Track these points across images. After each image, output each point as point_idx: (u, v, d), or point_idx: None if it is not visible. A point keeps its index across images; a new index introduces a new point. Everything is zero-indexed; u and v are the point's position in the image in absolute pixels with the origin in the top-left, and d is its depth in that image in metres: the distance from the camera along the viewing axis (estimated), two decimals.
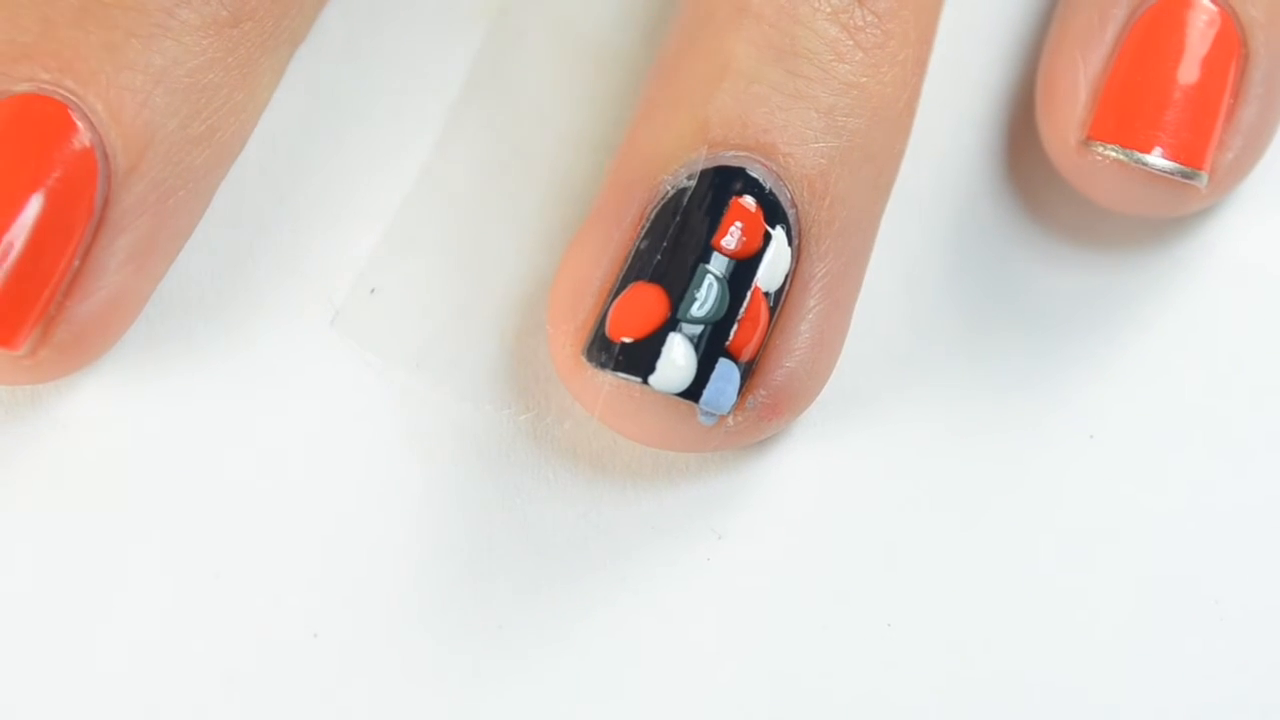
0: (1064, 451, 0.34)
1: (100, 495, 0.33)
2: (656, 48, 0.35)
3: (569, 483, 0.33)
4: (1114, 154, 0.33)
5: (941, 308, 0.35)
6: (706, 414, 0.31)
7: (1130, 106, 0.33)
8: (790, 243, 0.32)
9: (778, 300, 0.32)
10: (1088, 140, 0.33)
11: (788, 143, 0.32)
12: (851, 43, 0.32)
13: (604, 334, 0.31)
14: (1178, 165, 0.33)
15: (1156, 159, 0.33)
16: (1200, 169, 0.33)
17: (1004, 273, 0.35)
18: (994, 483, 0.33)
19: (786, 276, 0.32)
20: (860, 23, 0.32)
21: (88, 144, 0.31)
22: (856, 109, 0.32)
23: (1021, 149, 0.36)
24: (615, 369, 0.31)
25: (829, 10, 0.32)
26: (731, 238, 0.31)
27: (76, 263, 0.31)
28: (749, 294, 0.31)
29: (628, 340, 0.31)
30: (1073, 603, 0.33)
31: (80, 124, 0.31)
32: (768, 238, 0.31)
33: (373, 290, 0.34)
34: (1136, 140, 0.33)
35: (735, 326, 0.31)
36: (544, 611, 0.33)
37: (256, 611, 0.32)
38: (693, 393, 0.31)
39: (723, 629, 0.32)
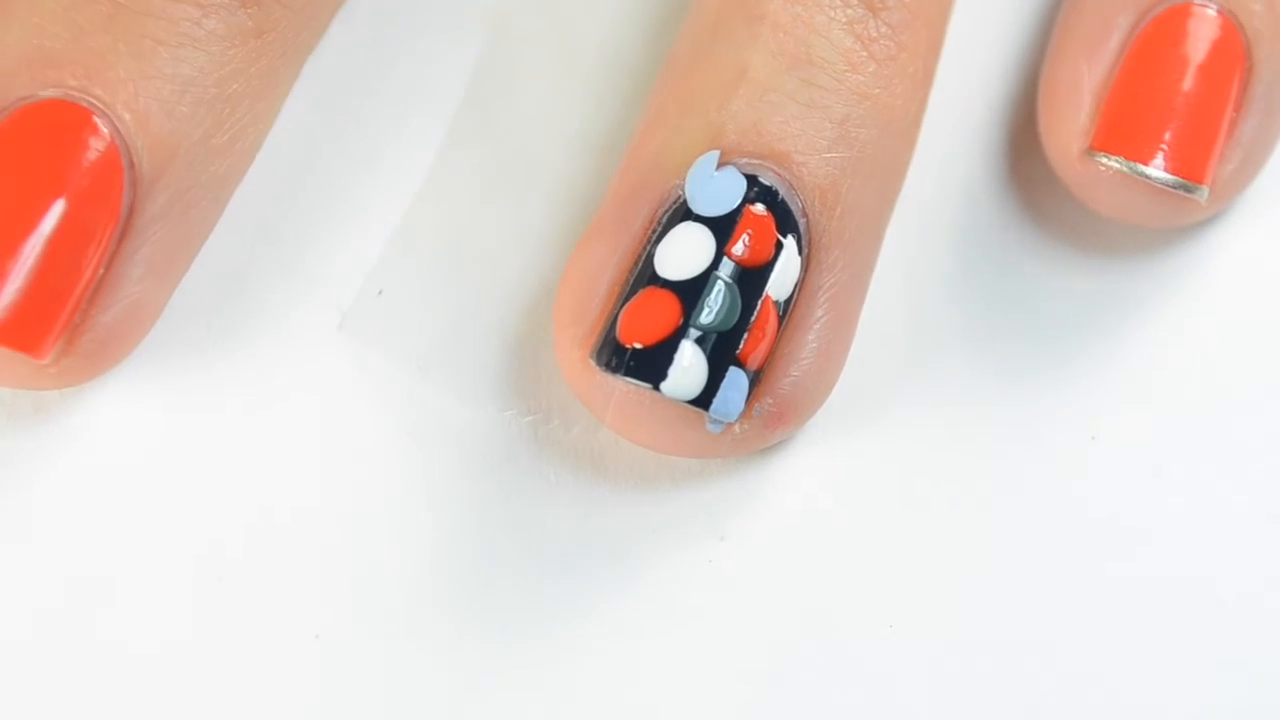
0: (1067, 454, 0.34)
1: (103, 500, 0.33)
2: (661, 50, 0.35)
3: (571, 485, 0.33)
4: (1115, 164, 0.33)
5: (945, 313, 0.35)
6: (714, 421, 0.32)
7: (1133, 117, 0.33)
8: (800, 252, 0.32)
9: (786, 309, 0.32)
10: (1089, 150, 0.34)
11: (800, 152, 0.32)
12: (865, 54, 0.32)
13: (614, 338, 0.31)
14: (1179, 179, 0.33)
15: (1157, 171, 0.33)
16: (1201, 183, 0.33)
17: (1007, 277, 0.35)
18: (997, 485, 0.34)
19: (795, 285, 0.32)
20: (875, 34, 0.32)
21: (114, 152, 0.31)
22: (869, 120, 0.32)
23: (1025, 155, 0.36)
24: (626, 374, 0.31)
25: (844, 20, 0.32)
26: (744, 245, 0.31)
27: (101, 271, 0.31)
28: (759, 302, 0.31)
29: (639, 346, 0.31)
30: (1076, 605, 0.33)
31: (107, 132, 0.31)
32: (779, 246, 0.31)
33: (380, 292, 0.34)
34: (1138, 152, 0.33)
35: (745, 335, 0.31)
36: (546, 613, 0.33)
37: (260, 614, 0.32)
38: (703, 400, 0.31)
39: (725, 631, 0.33)
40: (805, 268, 0.32)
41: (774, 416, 0.32)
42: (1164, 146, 0.33)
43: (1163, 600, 0.33)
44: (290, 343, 0.34)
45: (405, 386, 0.33)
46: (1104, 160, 0.33)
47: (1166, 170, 0.33)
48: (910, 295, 0.35)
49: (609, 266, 0.32)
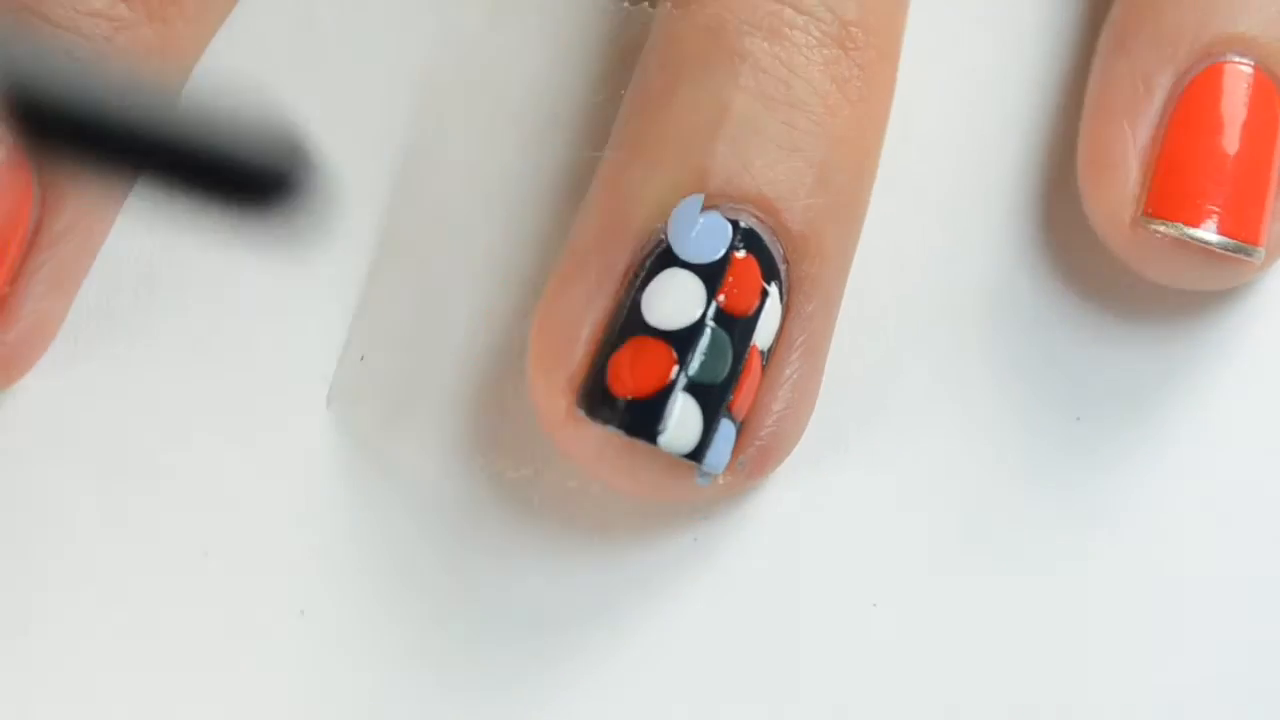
0: (1053, 432, 0.34)
1: (88, 474, 0.33)
2: (597, 92, 0.34)
3: (556, 464, 0.33)
4: (1170, 231, 0.32)
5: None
6: (704, 475, 0.31)
7: (1186, 181, 0.32)
8: (781, 299, 0.31)
9: (768, 357, 0.31)
10: (1144, 217, 0.33)
11: (782, 197, 0.31)
12: (841, 96, 0.32)
13: (604, 387, 0.30)
14: (1236, 241, 0.32)
15: (1214, 235, 0.32)
16: (1257, 244, 0.33)
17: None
18: (986, 460, 0.33)
19: (776, 333, 0.31)
20: (848, 74, 0.32)
21: (23, 171, 0.31)
22: (844, 165, 0.32)
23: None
24: (620, 426, 0.30)
25: (821, 61, 0.32)
26: (731, 293, 0.31)
27: (5, 290, 0.31)
28: (748, 352, 0.31)
29: (631, 398, 0.30)
30: (1058, 584, 0.33)
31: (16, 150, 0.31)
32: (764, 294, 0.31)
33: (362, 358, 0.34)
34: (1193, 216, 0.32)
35: (735, 385, 0.30)
36: (528, 591, 0.32)
37: (243, 592, 0.32)
38: (697, 453, 0.30)
39: (708, 609, 0.32)
40: (784, 315, 0.31)
41: (755, 465, 0.31)
42: (1218, 208, 0.32)
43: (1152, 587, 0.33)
44: (277, 412, 0.33)
45: (387, 447, 0.33)
46: (1159, 227, 0.32)
47: (1220, 233, 0.32)
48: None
49: (591, 310, 0.31)
